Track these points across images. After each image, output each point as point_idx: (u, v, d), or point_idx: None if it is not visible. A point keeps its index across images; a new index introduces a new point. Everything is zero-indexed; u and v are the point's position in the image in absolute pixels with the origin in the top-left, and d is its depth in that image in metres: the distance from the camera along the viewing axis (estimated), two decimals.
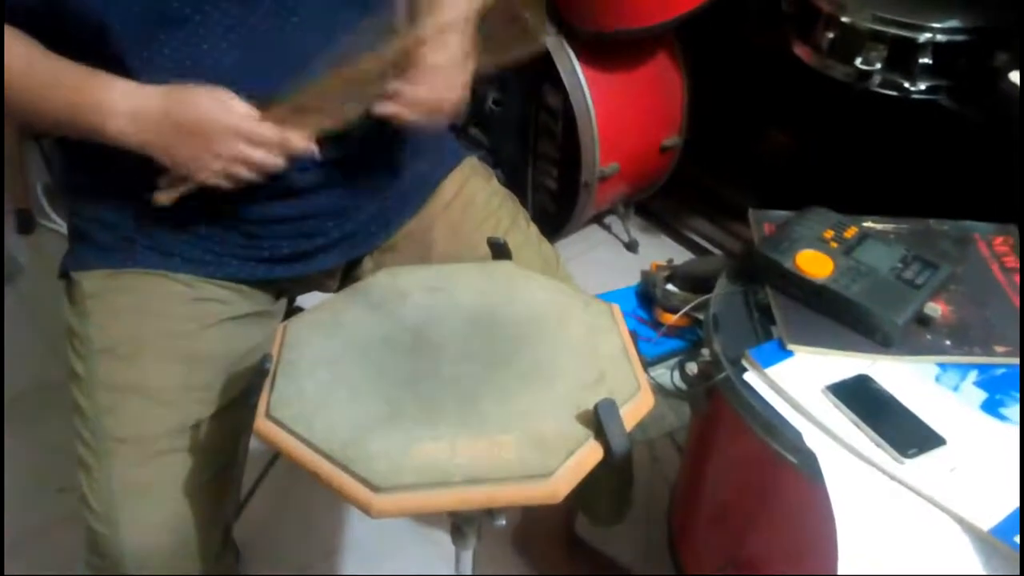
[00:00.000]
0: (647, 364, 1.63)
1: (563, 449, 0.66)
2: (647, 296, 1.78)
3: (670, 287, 1.75)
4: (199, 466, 0.85)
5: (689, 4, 1.56)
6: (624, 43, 1.70)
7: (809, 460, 0.78)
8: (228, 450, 0.90)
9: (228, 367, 0.89)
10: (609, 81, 1.72)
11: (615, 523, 1.17)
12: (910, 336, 0.87)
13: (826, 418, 0.80)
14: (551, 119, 1.75)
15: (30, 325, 1.78)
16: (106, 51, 0.77)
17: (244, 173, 0.79)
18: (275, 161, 0.79)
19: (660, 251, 1.97)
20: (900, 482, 0.76)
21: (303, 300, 1.04)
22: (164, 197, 0.81)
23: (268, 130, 0.77)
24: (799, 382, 0.83)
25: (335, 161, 0.87)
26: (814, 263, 0.91)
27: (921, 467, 0.76)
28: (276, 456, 1.18)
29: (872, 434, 0.78)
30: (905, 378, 0.85)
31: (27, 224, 2.07)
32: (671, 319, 1.69)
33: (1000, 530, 0.71)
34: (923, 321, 0.89)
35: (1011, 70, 1.25)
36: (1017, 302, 0.92)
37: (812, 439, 0.79)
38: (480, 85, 1.87)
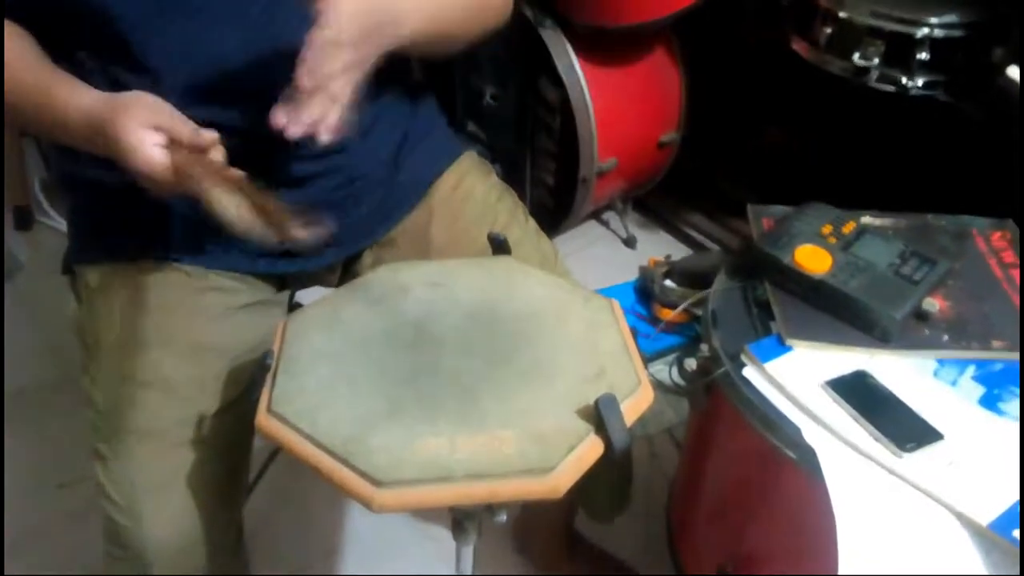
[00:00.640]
0: (646, 360, 1.63)
1: (564, 444, 0.66)
2: (645, 292, 1.79)
3: (668, 283, 1.75)
4: (216, 458, 0.86)
5: (687, 0, 1.57)
6: (622, 38, 1.70)
7: (808, 455, 0.78)
8: (242, 442, 0.91)
9: (238, 357, 0.89)
10: (607, 76, 1.72)
11: (614, 518, 1.18)
12: (908, 331, 0.88)
13: (825, 413, 0.80)
14: (549, 114, 1.75)
15: (29, 323, 1.78)
16: (109, 37, 0.78)
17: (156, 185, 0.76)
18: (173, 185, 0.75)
19: (658, 247, 1.97)
20: (898, 476, 0.76)
21: (302, 296, 1.04)
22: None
23: (146, 163, 0.72)
24: (798, 377, 0.84)
25: (334, 151, 0.87)
26: (813, 258, 0.91)
27: (919, 461, 0.76)
28: (275, 453, 1.18)
29: (871, 428, 0.79)
30: (903, 373, 0.85)
31: (25, 221, 2.06)
32: (669, 315, 1.69)
33: (998, 525, 0.71)
34: (921, 316, 0.89)
35: (1008, 65, 1.25)
36: (1015, 297, 0.92)
37: (811, 434, 0.79)
38: (477, 80, 1.88)
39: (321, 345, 0.76)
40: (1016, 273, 0.96)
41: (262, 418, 0.70)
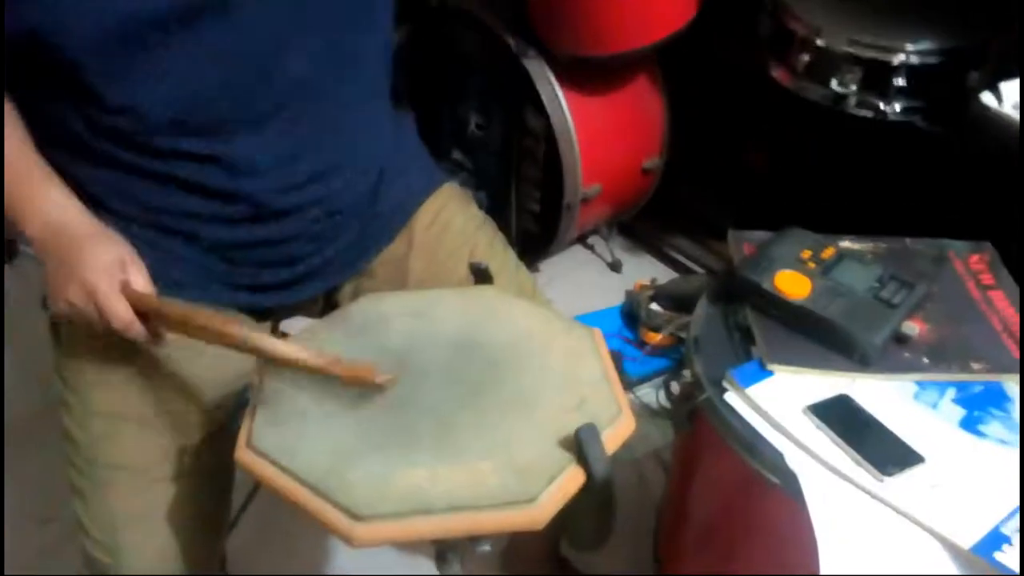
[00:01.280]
0: (633, 384, 1.64)
1: (544, 475, 0.66)
2: (632, 316, 1.79)
3: (654, 307, 1.76)
4: (197, 491, 0.85)
5: (668, 28, 1.59)
6: (605, 66, 1.71)
7: (790, 480, 0.78)
8: (224, 475, 0.90)
9: (219, 389, 0.89)
10: (590, 103, 1.74)
11: (597, 547, 1.17)
12: (888, 355, 0.88)
13: (807, 437, 0.81)
14: (533, 142, 1.76)
15: (10, 356, 1.76)
16: (74, 77, 0.76)
17: (88, 324, 0.79)
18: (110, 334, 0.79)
19: (644, 270, 1.98)
20: (881, 500, 0.76)
21: (287, 324, 1.04)
22: None
23: (118, 307, 0.76)
24: (780, 401, 0.84)
25: (313, 183, 0.87)
26: (792, 284, 0.92)
27: (901, 485, 0.77)
28: (259, 484, 1.17)
29: (852, 452, 0.79)
30: (885, 396, 0.85)
31: (9, 251, 2.06)
32: (656, 339, 1.69)
33: (981, 548, 0.72)
34: (901, 340, 0.89)
35: (983, 89, 1.27)
36: (992, 319, 0.93)
37: (793, 459, 0.80)
38: (463, 109, 1.89)
39: (302, 377, 0.76)
40: (994, 295, 0.97)
41: (241, 452, 0.70)
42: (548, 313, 0.86)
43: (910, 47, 1.28)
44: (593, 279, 1.99)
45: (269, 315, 1.00)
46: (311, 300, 1.00)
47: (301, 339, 0.82)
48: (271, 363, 0.75)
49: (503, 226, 1.82)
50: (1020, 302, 0.95)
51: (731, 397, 0.86)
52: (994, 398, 0.85)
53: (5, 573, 1.30)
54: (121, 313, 0.76)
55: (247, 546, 1.33)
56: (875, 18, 1.35)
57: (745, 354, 0.91)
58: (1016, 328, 0.91)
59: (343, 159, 0.89)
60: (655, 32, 1.59)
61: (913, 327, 0.90)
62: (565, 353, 0.79)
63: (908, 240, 1.06)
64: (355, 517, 0.63)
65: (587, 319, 1.78)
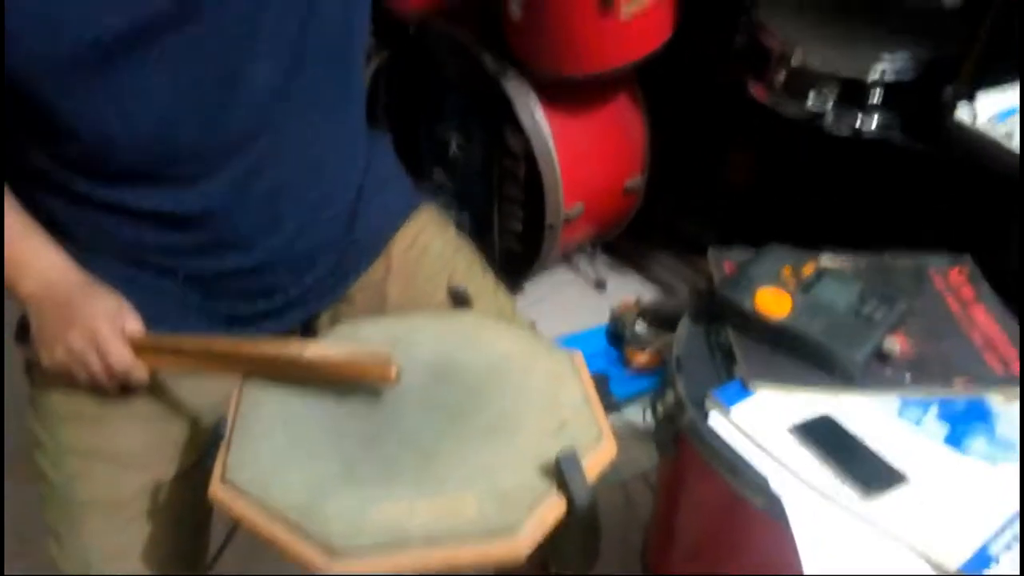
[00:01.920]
0: (619, 404, 1.63)
1: (524, 503, 0.65)
2: (617, 335, 1.78)
3: (639, 326, 1.75)
4: (173, 526, 0.84)
5: (647, 47, 1.59)
6: (585, 85, 1.72)
7: (774, 503, 0.77)
8: (200, 508, 0.88)
9: (194, 422, 0.88)
10: (571, 124, 1.74)
11: (583, 570, 1.15)
12: (871, 372, 0.88)
13: (790, 458, 0.80)
14: (514, 163, 1.76)
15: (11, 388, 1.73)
16: (36, 109, 0.73)
17: (82, 374, 0.79)
18: (106, 381, 0.79)
19: (629, 288, 1.97)
20: (865, 520, 0.75)
21: None
22: None
23: (121, 350, 0.78)
24: (762, 421, 0.83)
25: (288, 212, 0.86)
26: (773, 302, 0.91)
27: (886, 505, 0.76)
28: None
29: (837, 472, 0.78)
30: (868, 414, 0.85)
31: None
32: (641, 358, 1.69)
33: (969, 567, 0.71)
34: (883, 357, 0.89)
35: (959, 103, 1.28)
36: (973, 334, 0.93)
37: (777, 481, 0.79)
38: (443, 130, 1.89)
39: (277, 409, 0.75)
40: (975, 310, 0.97)
41: (215, 488, 0.68)
42: (528, 336, 0.85)
43: (884, 65, 1.29)
44: (578, 298, 1.99)
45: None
46: (288, 330, 0.99)
47: None
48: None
49: (486, 246, 1.82)
50: (1019, 316, 0.95)
51: (714, 418, 0.85)
52: (977, 413, 0.85)
53: None
54: (124, 356, 0.77)
55: None
56: (849, 35, 1.36)
57: (727, 373, 0.90)
58: (998, 343, 0.91)
59: (317, 186, 0.88)
60: (634, 51, 1.60)
61: (895, 343, 0.89)
62: (545, 376, 0.79)
63: (887, 255, 1.06)
64: (331, 552, 0.61)
65: (573, 339, 1.77)
